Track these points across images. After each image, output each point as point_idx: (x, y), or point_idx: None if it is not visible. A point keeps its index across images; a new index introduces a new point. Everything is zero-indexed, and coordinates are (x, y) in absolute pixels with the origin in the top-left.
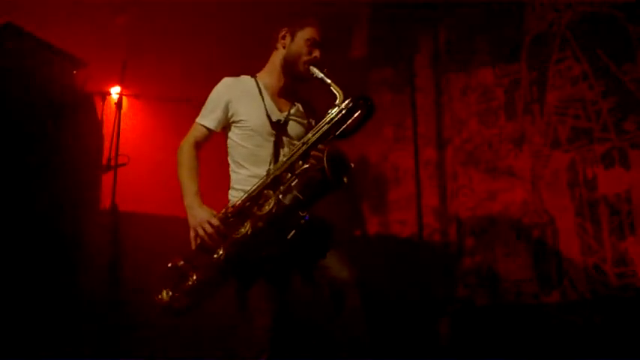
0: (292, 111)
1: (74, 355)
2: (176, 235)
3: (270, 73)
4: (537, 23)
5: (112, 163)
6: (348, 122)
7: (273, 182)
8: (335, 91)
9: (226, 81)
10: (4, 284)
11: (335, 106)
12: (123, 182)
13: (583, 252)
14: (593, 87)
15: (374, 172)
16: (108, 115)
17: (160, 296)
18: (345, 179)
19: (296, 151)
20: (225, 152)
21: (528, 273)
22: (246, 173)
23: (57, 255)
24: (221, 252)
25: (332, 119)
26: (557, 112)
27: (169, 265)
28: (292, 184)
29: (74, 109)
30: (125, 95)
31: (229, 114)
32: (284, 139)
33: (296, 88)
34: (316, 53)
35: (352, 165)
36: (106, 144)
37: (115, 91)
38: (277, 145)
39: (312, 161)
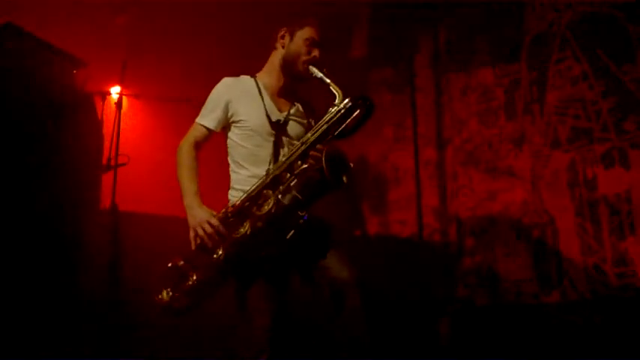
0: (292, 111)
1: (74, 355)
2: (176, 235)
3: (270, 73)
4: (537, 23)
5: (112, 163)
6: (347, 122)
7: (272, 182)
8: (334, 91)
9: (226, 81)
10: (4, 284)
11: (334, 105)
12: (123, 182)
13: (583, 252)
14: (593, 87)
15: (374, 172)
16: (108, 115)
17: (160, 296)
18: (344, 179)
19: (295, 151)
20: (225, 152)
21: (528, 273)
22: (246, 173)
23: (57, 255)
24: (221, 252)
25: (331, 119)
26: (557, 112)
27: (169, 265)
28: (291, 184)
29: (74, 109)
30: (125, 95)
31: (229, 114)
32: (284, 139)
33: (295, 88)
34: (315, 53)
35: (351, 165)
36: (106, 144)
37: (115, 91)
38: (277, 145)
39: (311, 161)
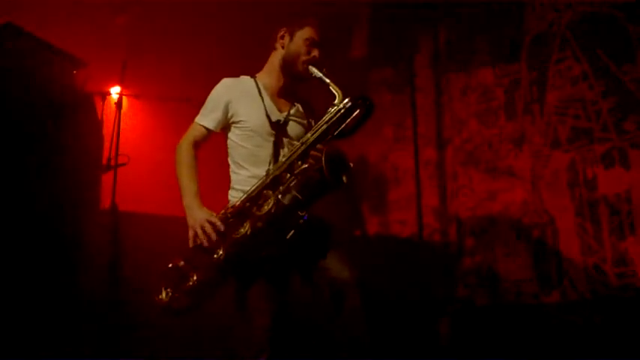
0: (292, 111)
1: (74, 355)
2: (176, 235)
3: (270, 74)
4: (537, 23)
5: (112, 163)
6: (346, 122)
7: (272, 182)
8: (334, 91)
9: (226, 81)
10: (4, 284)
11: (334, 105)
12: (123, 182)
13: (583, 252)
14: (593, 87)
15: (374, 172)
16: (108, 115)
17: (160, 296)
18: (344, 179)
19: (295, 152)
20: (225, 153)
21: (528, 273)
22: (246, 174)
23: (57, 255)
24: (221, 252)
25: (331, 119)
26: (557, 112)
27: (170, 265)
28: (291, 184)
29: (74, 109)
30: (125, 95)
31: (229, 115)
32: (284, 139)
33: (295, 88)
34: (315, 53)
35: (351, 165)
36: (106, 144)
37: (115, 91)
38: (277, 146)
39: (311, 161)
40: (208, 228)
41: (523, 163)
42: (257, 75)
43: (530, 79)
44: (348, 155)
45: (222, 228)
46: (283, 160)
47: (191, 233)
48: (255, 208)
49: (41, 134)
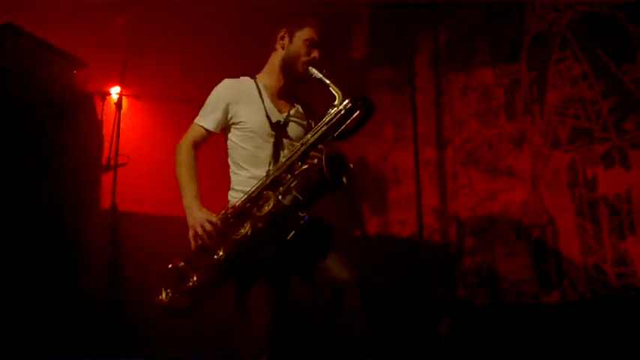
0: (292, 112)
1: (74, 355)
2: (176, 235)
3: (270, 74)
4: (537, 23)
5: (112, 163)
6: (346, 123)
7: (272, 183)
8: (334, 92)
9: (226, 82)
10: (4, 284)
11: (334, 106)
12: (123, 182)
13: (583, 252)
14: (593, 87)
15: (374, 173)
16: (108, 115)
17: (160, 297)
18: (344, 180)
19: (295, 152)
20: (225, 153)
21: (528, 273)
22: (246, 174)
23: (57, 255)
24: (221, 253)
25: (331, 120)
26: (557, 112)
27: (170, 265)
28: (291, 185)
29: (74, 109)
30: (125, 95)
31: (229, 116)
32: (284, 140)
33: (295, 88)
34: (315, 54)
35: (351, 165)
36: (106, 144)
37: (115, 91)
38: (277, 147)
39: (311, 162)
40: (208, 227)
41: (523, 163)
42: (257, 76)
43: (530, 79)
44: (348, 156)
45: (222, 228)
46: (283, 160)
47: (191, 233)
48: (255, 209)
49: (41, 134)
